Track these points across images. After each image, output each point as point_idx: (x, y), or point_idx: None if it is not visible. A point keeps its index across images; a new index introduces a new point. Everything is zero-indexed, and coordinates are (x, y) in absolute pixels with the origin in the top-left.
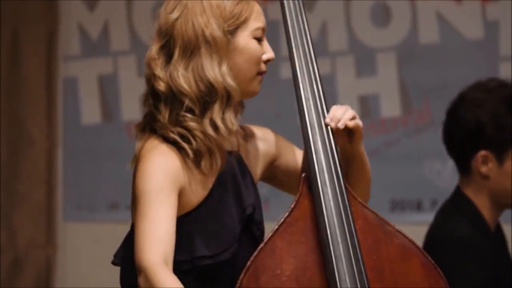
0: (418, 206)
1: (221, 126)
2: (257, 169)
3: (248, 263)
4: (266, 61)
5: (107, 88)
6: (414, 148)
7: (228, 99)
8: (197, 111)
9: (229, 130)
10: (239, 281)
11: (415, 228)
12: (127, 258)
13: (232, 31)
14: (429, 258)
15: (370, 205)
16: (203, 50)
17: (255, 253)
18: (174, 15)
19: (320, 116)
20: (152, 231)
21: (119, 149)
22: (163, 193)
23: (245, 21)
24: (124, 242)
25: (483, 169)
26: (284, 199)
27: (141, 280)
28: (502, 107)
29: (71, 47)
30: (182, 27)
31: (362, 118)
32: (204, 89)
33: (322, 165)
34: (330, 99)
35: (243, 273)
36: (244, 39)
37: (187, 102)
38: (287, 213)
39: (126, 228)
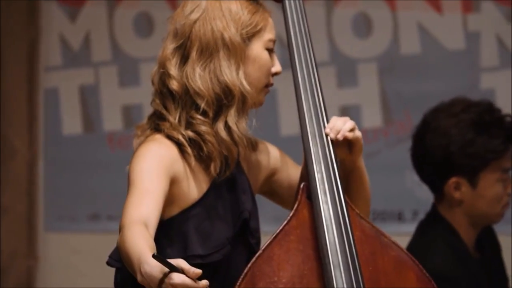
0: (399, 217)
1: (235, 130)
2: (257, 180)
3: (246, 269)
4: (274, 74)
5: (89, 98)
6: (395, 159)
7: (243, 103)
8: (210, 114)
9: (242, 135)
10: (236, 287)
11: (397, 239)
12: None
13: (248, 39)
14: (424, 271)
15: None
16: (221, 53)
17: (253, 259)
18: (193, 16)
19: (320, 126)
20: (138, 199)
21: (101, 160)
22: (154, 173)
23: (260, 31)
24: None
25: (456, 194)
26: (267, 210)
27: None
28: (469, 134)
29: (52, 57)
30: (200, 30)
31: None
32: (220, 92)
33: (322, 174)
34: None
35: (240, 279)
36: (258, 48)
37: (202, 104)
38: (286, 221)
39: (107, 239)
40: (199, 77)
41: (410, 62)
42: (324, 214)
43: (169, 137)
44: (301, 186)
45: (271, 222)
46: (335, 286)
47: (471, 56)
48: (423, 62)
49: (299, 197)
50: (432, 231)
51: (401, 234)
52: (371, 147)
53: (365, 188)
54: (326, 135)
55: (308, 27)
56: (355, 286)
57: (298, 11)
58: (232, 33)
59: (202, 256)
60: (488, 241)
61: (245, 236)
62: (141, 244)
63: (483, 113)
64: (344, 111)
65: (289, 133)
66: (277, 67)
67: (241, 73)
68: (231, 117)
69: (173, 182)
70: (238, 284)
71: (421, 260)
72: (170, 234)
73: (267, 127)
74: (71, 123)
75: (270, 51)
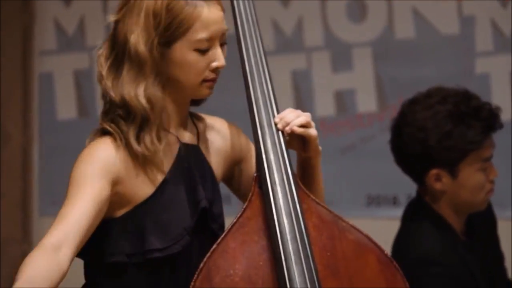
0: (394, 201)
1: (136, 147)
2: (219, 164)
3: (201, 264)
4: (216, 68)
5: (83, 83)
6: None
7: (143, 120)
8: (128, 120)
9: (148, 150)
10: (192, 283)
11: (391, 223)
12: (89, 252)
13: (167, 43)
14: (385, 252)
15: (346, 200)
16: (126, 65)
17: (208, 254)
18: (116, 17)
19: (270, 115)
20: (63, 216)
21: None
22: (89, 180)
23: (184, 33)
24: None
25: (438, 185)
26: None
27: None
28: (446, 126)
29: (47, 42)
30: (117, 33)
31: (338, 113)
32: (122, 105)
33: (271, 164)
34: (306, 95)
35: (196, 275)
36: (181, 52)
37: (117, 110)
38: (240, 213)
39: None
40: (110, 86)
41: (405, 47)
42: (274, 204)
43: (114, 137)
44: (254, 176)
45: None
46: (286, 275)
47: (466, 41)
48: (417, 47)
49: (252, 187)
50: (419, 218)
51: (396, 218)
52: (365, 132)
53: (317, 189)
54: (275, 124)
55: (256, 16)
56: (307, 275)
57: (246, 1)
58: (139, 43)
59: (160, 249)
60: (481, 223)
61: (207, 224)
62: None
63: (459, 104)
64: (339, 96)
65: None
66: (217, 63)
67: (140, 89)
68: (131, 133)
69: (116, 183)
70: (194, 279)
71: (411, 246)
72: (126, 230)
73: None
74: (66, 107)
75: (204, 50)
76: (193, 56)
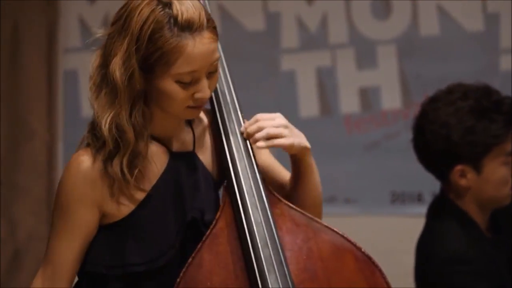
0: (419, 198)
1: (108, 170)
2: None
3: (178, 279)
4: (199, 99)
5: None
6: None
7: (114, 147)
8: (100, 141)
9: (123, 178)
10: None
11: (416, 220)
12: None
13: (148, 71)
14: (363, 250)
15: (371, 198)
16: (104, 87)
17: (184, 268)
18: (108, 30)
19: (234, 123)
20: (51, 254)
21: None
22: (71, 209)
23: (165, 65)
24: None
25: (463, 182)
26: None
27: None
28: (468, 121)
29: (72, 39)
30: (105, 51)
31: (362, 110)
32: (96, 126)
33: (238, 172)
34: (331, 92)
35: None
36: (162, 82)
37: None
38: (213, 224)
39: None
40: (93, 101)
41: (430, 44)
42: (244, 212)
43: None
44: (224, 185)
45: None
46: (259, 284)
47: (490, 38)
48: (442, 44)
49: (222, 197)
50: (444, 215)
51: (421, 215)
52: (390, 129)
53: (311, 184)
54: (242, 133)
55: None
56: (280, 281)
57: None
58: (118, 70)
59: (140, 264)
60: (506, 218)
61: (199, 231)
62: None
63: (481, 99)
64: (363, 93)
65: (308, 115)
66: (199, 94)
67: (109, 116)
68: (102, 156)
69: (99, 203)
70: None
71: (437, 245)
72: (107, 241)
73: (286, 109)
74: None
75: (185, 83)
76: (174, 88)
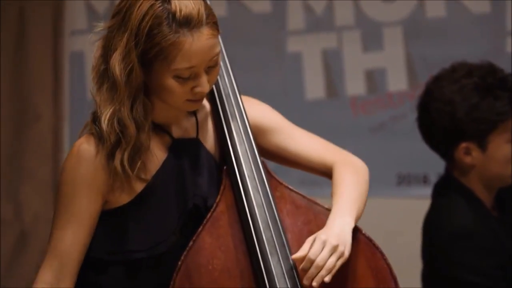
0: (425, 180)
1: (113, 165)
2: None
3: (179, 263)
4: (197, 93)
5: None
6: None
7: (116, 142)
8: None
9: (124, 172)
10: (172, 282)
11: (422, 202)
12: None
13: (146, 65)
14: (363, 232)
15: (377, 179)
16: (106, 82)
17: (185, 252)
18: (109, 23)
19: (233, 107)
20: (55, 245)
21: None
22: (76, 198)
23: (163, 61)
24: None
25: (467, 159)
26: (292, 174)
27: None
28: (473, 99)
29: (78, 21)
30: (105, 44)
31: (369, 92)
32: (99, 121)
33: (239, 155)
34: (337, 74)
35: (175, 273)
36: (160, 76)
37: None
38: (213, 207)
39: None
40: (96, 93)
41: (436, 26)
42: (244, 194)
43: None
44: (224, 169)
45: (296, 186)
46: (262, 266)
47: (496, 20)
48: (448, 26)
49: (223, 181)
50: (449, 193)
51: (426, 197)
52: (396, 111)
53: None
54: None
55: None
56: (283, 264)
57: None
58: (118, 66)
59: (141, 250)
60: (511, 198)
61: (202, 218)
62: None
63: (485, 76)
64: (370, 75)
65: (314, 97)
66: (198, 88)
67: (109, 112)
68: (105, 149)
69: (103, 190)
70: (173, 278)
71: (442, 221)
72: (109, 227)
73: (292, 92)
74: None
75: (183, 78)
76: (172, 83)
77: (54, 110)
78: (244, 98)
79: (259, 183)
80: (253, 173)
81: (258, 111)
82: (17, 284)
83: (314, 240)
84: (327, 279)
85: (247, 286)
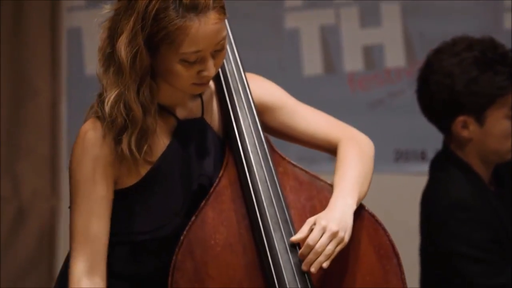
0: (422, 156)
1: (121, 149)
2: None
3: (181, 238)
4: (204, 77)
5: None
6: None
7: (122, 126)
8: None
9: (131, 156)
10: (174, 257)
11: (420, 178)
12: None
13: (153, 49)
14: (366, 208)
15: (375, 156)
16: (112, 65)
17: (187, 227)
18: (112, 9)
19: (237, 81)
20: (81, 232)
21: None
22: (91, 183)
23: (169, 45)
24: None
25: (465, 133)
26: (292, 150)
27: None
28: (473, 72)
29: None
30: (111, 26)
31: (366, 68)
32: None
33: (242, 130)
34: (335, 50)
35: (177, 248)
36: (167, 60)
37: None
38: (216, 182)
39: None
40: (102, 75)
41: (434, 2)
42: (248, 169)
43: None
44: (227, 144)
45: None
46: (265, 242)
47: None
48: (446, 2)
49: (226, 156)
50: (447, 166)
51: (424, 173)
52: (394, 87)
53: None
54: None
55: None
56: (285, 239)
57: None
58: (124, 50)
59: (145, 232)
60: (509, 173)
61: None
62: None
63: (486, 50)
64: (367, 51)
65: (312, 73)
66: (205, 72)
67: (113, 95)
68: (112, 132)
69: (112, 175)
70: (175, 253)
71: (439, 193)
72: (115, 209)
73: (290, 68)
74: (94, 63)
75: (190, 62)
76: (179, 67)
77: (51, 86)
78: (248, 75)
79: (263, 158)
80: (257, 149)
81: (262, 88)
82: (16, 260)
83: (314, 223)
84: (325, 265)
85: (249, 261)
